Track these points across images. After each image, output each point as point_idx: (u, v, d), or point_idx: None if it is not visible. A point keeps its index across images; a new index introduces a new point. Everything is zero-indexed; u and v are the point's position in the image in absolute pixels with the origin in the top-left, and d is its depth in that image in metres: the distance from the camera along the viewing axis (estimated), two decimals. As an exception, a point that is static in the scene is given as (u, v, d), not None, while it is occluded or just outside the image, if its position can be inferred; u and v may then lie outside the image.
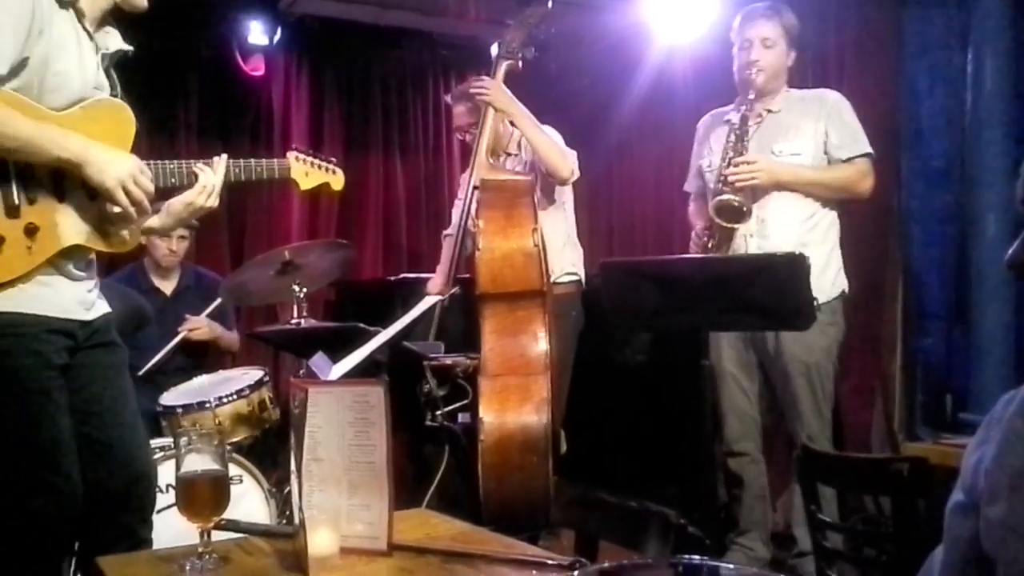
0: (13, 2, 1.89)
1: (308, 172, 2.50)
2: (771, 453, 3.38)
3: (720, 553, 2.96)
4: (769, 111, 3.18)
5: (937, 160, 3.62)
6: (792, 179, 3.08)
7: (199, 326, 3.79)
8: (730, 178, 3.03)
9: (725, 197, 3.02)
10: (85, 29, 2.09)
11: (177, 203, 2.21)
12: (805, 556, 2.97)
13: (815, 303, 2.60)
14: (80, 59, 2.05)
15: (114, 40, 2.19)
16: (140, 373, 3.32)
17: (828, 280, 3.09)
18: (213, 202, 2.22)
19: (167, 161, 2.17)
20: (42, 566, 2.02)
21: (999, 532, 0.99)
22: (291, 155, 2.45)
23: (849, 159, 3.12)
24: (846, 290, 3.17)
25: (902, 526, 1.89)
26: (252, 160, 2.31)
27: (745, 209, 3.00)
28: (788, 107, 3.18)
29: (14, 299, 1.97)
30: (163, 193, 2.17)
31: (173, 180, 2.17)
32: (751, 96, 3.12)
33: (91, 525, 2.10)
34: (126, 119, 2.11)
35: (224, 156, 2.25)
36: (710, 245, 3.09)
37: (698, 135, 3.43)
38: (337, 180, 2.57)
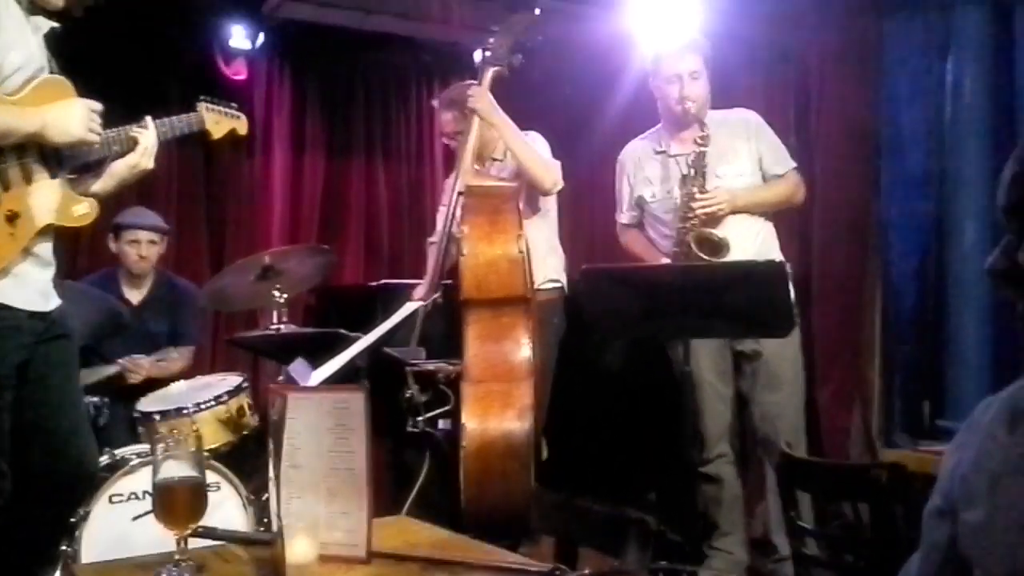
0: None
1: (219, 120, 2.62)
2: (746, 459, 3.40)
3: (698, 559, 2.97)
4: (705, 137, 3.25)
5: (916, 168, 3.66)
6: (746, 202, 3.25)
7: (138, 371, 3.57)
8: (698, 210, 3.15)
9: (706, 231, 3.14)
10: (27, 13, 2.17)
11: (120, 165, 2.33)
12: (784, 561, 2.98)
13: (795, 309, 2.62)
14: (28, 44, 2.14)
15: (43, 20, 2.27)
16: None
17: None
18: (151, 163, 2.37)
19: (106, 130, 2.29)
20: None
21: (977, 537, 1.00)
22: (202, 105, 2.58)
23: (783, 174, 3.31)
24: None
25: (880, 532, 1.90)
26: (172, 118, 2.46)
27: (724, 244, 3.11)
28: (716, 131, 3.27)
29: (2, 288, 2.03)
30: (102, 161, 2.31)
31: (116, 148, 2.31)
32: (702, 130, 3.19)
33: (28, 515, 2.14)
34: (69, 93, 2.21)
35: (149, 118, 2.40)
36: None
37: (627, 167, 3.49)
38: (242, 125, 2.71)
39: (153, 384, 3.50)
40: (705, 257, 3.10)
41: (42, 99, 2.14)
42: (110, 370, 3.51)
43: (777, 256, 3.23)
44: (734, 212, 3.21)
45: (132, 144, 2.32)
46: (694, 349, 3.17)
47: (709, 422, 3.22)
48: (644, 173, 3.42)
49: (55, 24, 2.26)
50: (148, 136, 2.34)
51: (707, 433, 3.22)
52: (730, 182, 3.25)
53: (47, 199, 2.14)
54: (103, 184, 2.35)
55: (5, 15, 2.07)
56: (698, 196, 3.16)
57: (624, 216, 3.53)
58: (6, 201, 2.05)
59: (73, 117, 2.14)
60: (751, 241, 3.23)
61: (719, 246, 3.12)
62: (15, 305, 2.07)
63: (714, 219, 3.18)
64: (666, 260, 3.25)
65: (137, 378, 3.58)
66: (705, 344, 3.18)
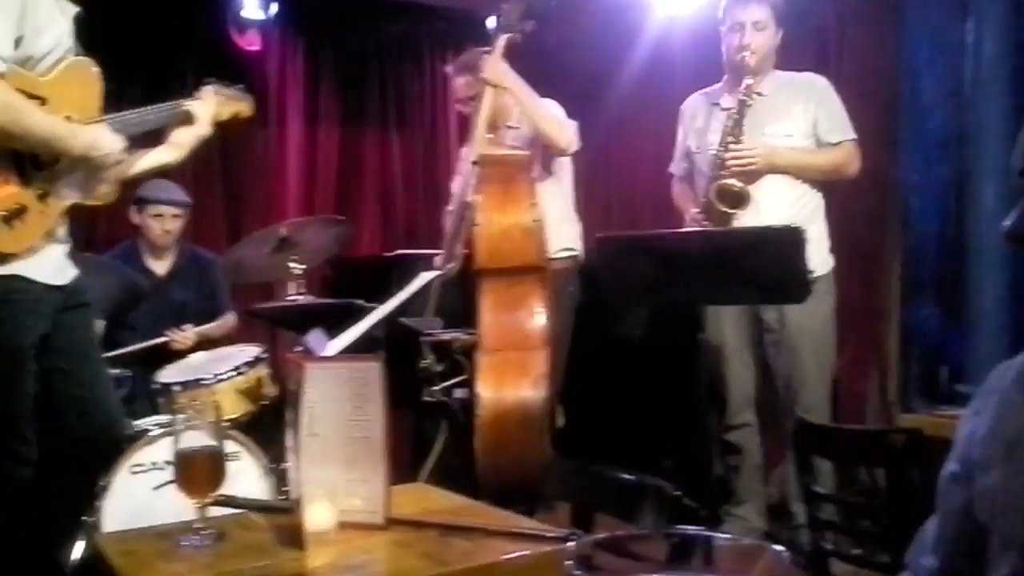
0: None
1: (223, 103, 2.71)
2: (765, 427, 3.40)
3: (715, 524, 2.98)
4: (759, 94, 3.18)
5: (936, 132, 3.60)
6: (787, 163, 3.14)
7: (184, 341, 3.71)
8: (728, 163, 3.08)
9: (727, 182, 3.06)
10: None
11: (185, 134, 2.48)
12: (801, 528, 2.99)
13: (811, 275, 2.60)
14: (59, 26, 2.17)
15: (68, 4, 2.31)
16: (109, 355, 3.31)
17: (820, 255, 3.12)
18: (209, 129, 2.54)
19: (158, 105, 2.44)
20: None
21: (993, 501, 1.00)
22: (208, 88, 2.67)
23: (838, 143, 3.19)
24: (834, 265, 3.24)
25: (896, 497, 1.90)
26: (171, 103, 2.54)
27: (745, 195, 3.04)
28: (777, 90, 3.20)
29: (25, 263, 2.10)
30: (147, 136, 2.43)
31: (168, 121, 2.47)
32: (748, 80, 3.12)
33: (58, 482, 2.24)
34: (95, 75, 2.29)
35: (207, 87, 2.60)
36: (708, 227, 3.12)
37: (683, 116, 3.45)
38: (247, 107, 2.82)
39: (174, 355, 3.56)
40: (725, 209, 3.05)
41: (70, 82, 2.18)
42: (154, 342, 3.63)
43: (818, 227, 3.15)
44: (772, 171, 3.13)
45: (184, 116, 2.48)
46: (719, 316, 3.17)
47: (734, 390, 3.21)
48: (696, 124, 3.36)
49: (78, 8, 2.29)
50: (204, 107, 2.52)
51: (731, 401, 3.21)
52: (776, 142, 3.16)
53: (72, 180, 2.20)
54: (173, 153, 2.50)
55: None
56: (732, 148, 3.09)
57: (674, 167, 3.48)
58: (37, 181, 2.11)
59: (105, 140, 2.23)
60: (789, 206, 3.14)
61: (740, 197, 3.04)
62: (35, 278, 2.12)
63: (749, 175, 3.09)
64: (695, 211, 3.20)
65: (182, 345, 3.70)
66: (730, 311, 3.17)
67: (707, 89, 3.41)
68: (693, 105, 3.43)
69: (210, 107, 2.53)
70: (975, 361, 3.39)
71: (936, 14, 3.62)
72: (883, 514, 2.01)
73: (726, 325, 3.20)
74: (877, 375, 3.79)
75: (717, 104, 3.27)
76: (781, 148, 3.15)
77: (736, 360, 3.21)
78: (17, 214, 2.06)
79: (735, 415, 3.22)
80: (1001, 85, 3.40)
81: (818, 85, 3.24)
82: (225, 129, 2.73)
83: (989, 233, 3.34)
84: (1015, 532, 0.97)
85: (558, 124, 3.35)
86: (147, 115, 2.40)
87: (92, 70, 2.26)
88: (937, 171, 3.61)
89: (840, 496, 2.53)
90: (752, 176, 3.11)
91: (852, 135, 3.21)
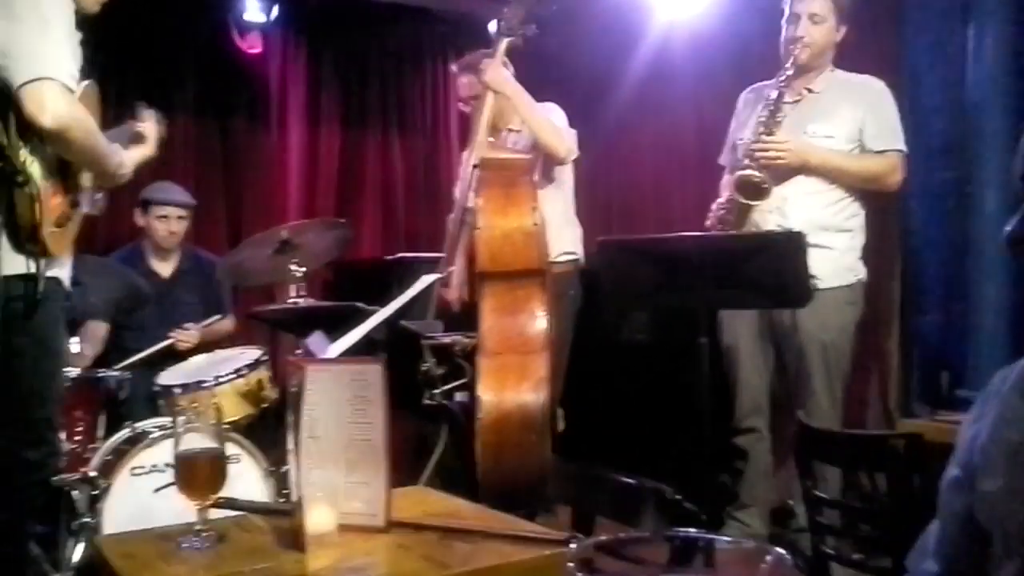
0: (67, 19, 2.14)
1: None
2: (777, 430, 3.38)
3: (716, 528, 2.97)
4: (810, 90, 3.10)
5: (937, 137, 3.60)
6: (821, 163, 3.03)
7: (189, 340, 3.77)
8: (756, 154, 3.00)
9: (746, 172, 2.99)
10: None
11: (134, 154, 2.56)
12: (803, 532, 2.98)
13: (814, 281, 2.60)
14: (79, 52, 2.24)
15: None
16: (118, 367, 3.35)
17: (844, 264, 3.06)
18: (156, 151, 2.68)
19: (115, 129, 2.58)
20: None
21: (994, 506, 1.00)
22: (152, 112, 2.74)
23: (883, 151, 3.07)
24: (863, 279, 3.13)
25: (898, 502, 1.90)
26: (125, 126, 2.66)
27: (765, 186, 2.96)
28: (829, 88, 3.11)
29: (60, 267, 2.24)
30: None
31: (118, 140, 2.53)
32: (790, 72, 3.02)
33: None
34: (97, 96, 2.38)
35: (146, 109, 2.69)
36: (729, 219, 3.05)
37: (737, 109, 3.35)
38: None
39: (175, 357, 3.58)
40: (744, 200, 2.98)
41: (86, 104, 2.26)
42: (161, 346, 3.67)
43: (848, 236, 3.06)
44: (805, 171, 3.03)
45: (140, 138, 2.62)
46: (732, 317, 3.13)
47: (743, 393, 3.17)
48: (745, 115, 3.27)
49: (80, 34, 2.37)
50: (151, 127, 2.65)
51: (740, 404, 3.17)
52: (816, 142, 3.05)
53: (88, 192, 2.35)
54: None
55: (71, 26, 2.18)
56: (763, 139, 3.00)
57: (723, 158, 3.38)
58: (72, 191, 2.26)
59: (129, 164, 2.46)
60: (820, 210, 3.03)
61: (760, 189, 2.95)
62: (64, 282, 2.28)
63: (778, 171, 3.00)
64: (720, 201, 3.12)
65: (187, 345, 3.74)
66: (745, 314, 3.12)
67: (767, 82, 3.23)
68: (746, 98, 3.32)
69: (156, 130, 2.67)
70: (976, 367, 3.39)
71: (937, 21, 3.63)
72: (884, 519, 2.01)
73: (741, 326, 3.15)
74: (878, 380, 3.78)
75: (767, 95, 3.12)
76: (816, 147, 3.04)
77: (748, 362, 3.16)
78: (64, 221, 2.22)
79: (743, 419, 3.18)
80: (1002, 92, 3.40)
81: (873, 88, 3.11)
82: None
83: (990, 239, 3.34)
84: (1016, 537, 0.97)
85: (557, 133, 3.34)
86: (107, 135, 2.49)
87: (96, 91, 2.35)
88: (938, 177, 3.61)
89: (841, 501, 2.53)
90: (783, 173, 3.02)
91: (900, 146, 3.09)
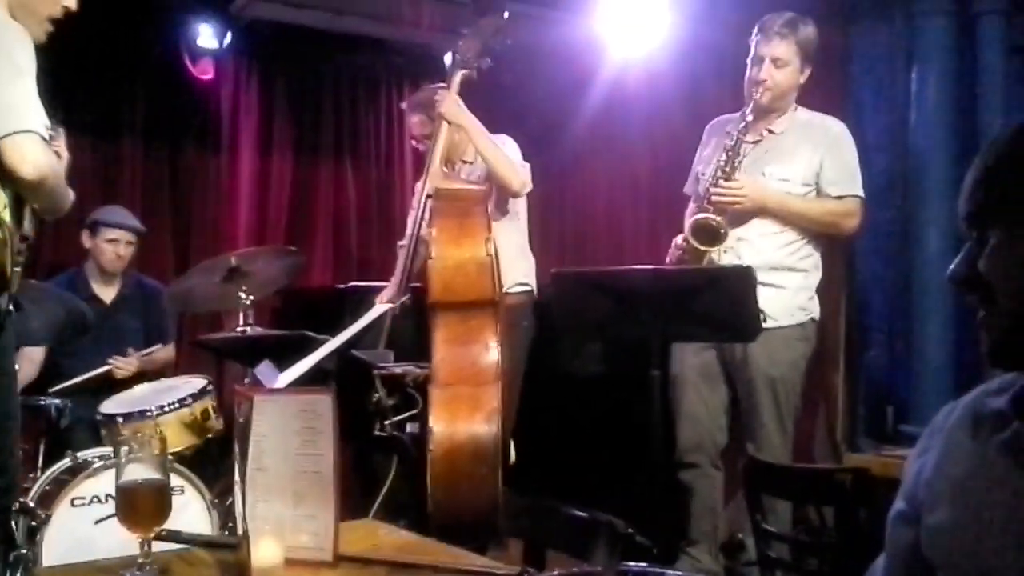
0: (34, 66, 2.18)
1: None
2: (729, 464, 3.40)
3: (669, 562, 2.97)
4: (771, 131, 3.13)
5: (880, 176, 3.70)
6: (778, 207, 3.05)
7: (127, 369, 3.72)
8: (714, 198, 3.02)
9: (702, 216, 3.01)
10: None
11: None
12: (753, 565, 2.98)
13: (763, 316, 2.63)
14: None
15: None
16: (51, 391, 3.27)
17: (797, 303, 3.08)
18: None
19: None
20: None
21: (940, 540, 1.01)
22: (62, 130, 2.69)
23: (841, 197, 3.09)
24: (815, 317, 3.15)
25: (845, 536, 1.92)
26: None
27: (722, 231, 2.98)
28: (790, 130, 3.13)
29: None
30: None
31: None
32: (750, 118, 3.05)
33: None
34: (64, 139, 2.44)
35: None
36: (686, 259, 3.06)
37: (703, 140, 3.36)
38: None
39: (116, 385, 3.50)
40: (698, 246, 2.99)
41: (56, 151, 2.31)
42: (97, 372, 3.61)
43: (802, 276, 3.07)
44: (761, 214, 3.05)
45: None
46: (680, 349, 3.11)
47: (685, 427, 3.14)
48: (707, 150, 3.28)
49: None
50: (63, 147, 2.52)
51: (682, 438, 3.14)
52: (773, 183, 3.07)
53: (28, 214, 2.32)
54: None
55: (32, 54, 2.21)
56: (721, 183, 3.01)
57: (688, 187, 3.36)
58: (21, 226, 2.25)
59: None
60: (773, 251, 3.06)
61: (716, 234, 2.97)
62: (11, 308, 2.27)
63: (736, 214, 3.01)
64: (679, 239, 3.11)
65: (125, 373, 3.68)
66: (692, 348, 3.11)
67: (732, 115, 3.23)
68: (713, 128, 3.33)
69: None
70: (920, 401, 3.46)
71: (881, 62, 3.74)
72: (832, 552, 2.03)
73: (688, 360, 3.14)
74: (825, 414, 3.84)
75: (729, 133, 3.12)
76: (774, 191, 3.06)
77: (693, 397, 3.14)
78: (22, 258, 2.26)
79: (684, 454, 3.15)
80: (943, 133, 3.52)
81: (832, 131, 3.14)
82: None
83: (933, 276, 3.42)
84: (962, 570, 0.98)
85: (511, 166, 3.35)
86: None
87: (63, 135, 2.41)
88: (882, 215, 3.70)
89: (790, 534, 2.55)
90: (739, 216, 3.04)
91: (858, 191, 3.10)
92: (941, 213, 3.44)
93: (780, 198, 3.06)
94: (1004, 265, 0.97)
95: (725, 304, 2.52)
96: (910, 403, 3.53)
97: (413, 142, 3.88)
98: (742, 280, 2.58)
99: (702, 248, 3.02)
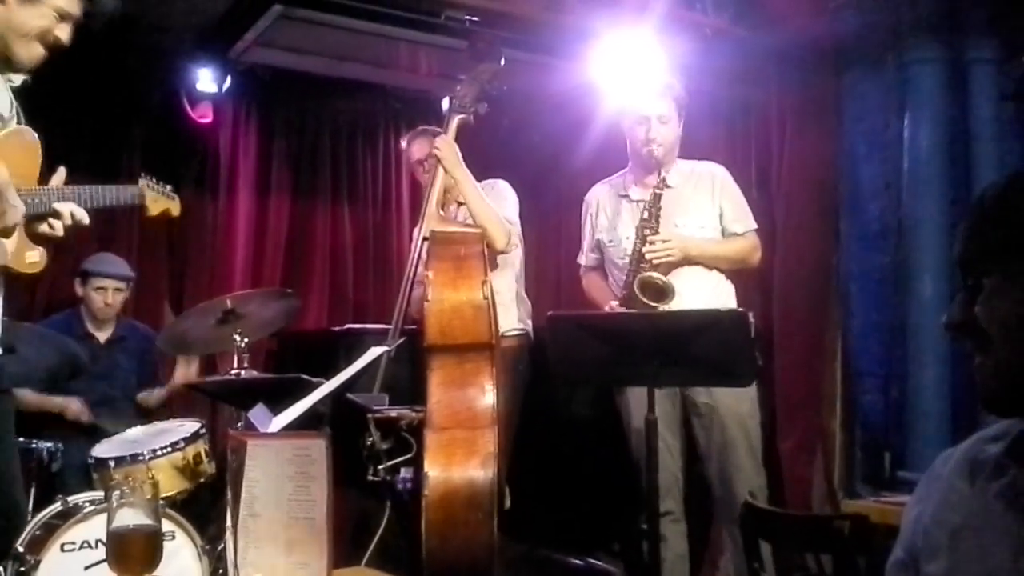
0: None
1: (156, 199, 2.69)
2: (709, 512, 3.37)
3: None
4: (667, 186, 3.27)
5: (874, 223, 3.72)
6: (699, 253, 3.27)
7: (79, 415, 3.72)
8: (647, 255, 3.15)
9: (649, 275, 3.13)
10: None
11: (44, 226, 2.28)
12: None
13: (759, 359, 2.64)
14: (2, 94, 2.19)
15: (14, 75, 2.31)
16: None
17: None
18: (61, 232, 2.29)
19: (117, 185, 2.46)
20: None
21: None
22: (143, 183, 2.64)
23: (743, 233, 3.33)
24: None
25: (844, 584, 1.90)
26: (109, 187, 2.44)
27: (669, 289, 3.11)
28: (683, 181, 3.34)
29: None
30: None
31: (121, 200, 2.47)
32: (664, 172, 3.23)
33: None
34: (35, 143, 2.26)
35: (142, 181, 2.61)
36: None
37: (588, 207, 3.53)
38: (175, 207, 2.79)
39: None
40: (648, 302, 3.10)
41: (11, 148, 2.17)
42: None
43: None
44: (687, 262, 3.22)
45: (140, 201, 2.56)
46: (639, 398, 3.10)
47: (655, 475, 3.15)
48: (605, 216, 3.45)
49: (26, 77, 2.30)
50: (67, 207, 2.24)
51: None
52: (690, 233, 3.27)
53: (6, 243, 2.16)
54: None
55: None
56: (650, 240, 3.17)
57: (584, 258, 3.55)
58: None
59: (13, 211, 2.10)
60: (707, 293, 3.24)
61: (663, 291, 3.11)
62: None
63: (666, 266, 3.19)
64: (615, 303, 3.24)
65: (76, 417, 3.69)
66: (656, 393, 3.14)
67: (611, 179, 3.51)
68: (599, 196, 3.51)
69: (69, 209, 2.42)
70: (917, 447, 3.44)
71: (873, 111, 3.78)
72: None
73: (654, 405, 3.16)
74: (822, 461, 3.82)
75: (626, 196, 3.38)
76: (693, 239, 3.26)
77: (660, 443, 3.14)
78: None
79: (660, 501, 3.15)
80: (936, 179, 3.54)
81: (720, 176, 3.38)
82: (152, 223, 2.67)
83: (928, 320, 3.43)
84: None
85: (499, 225, 3.36)
86: (107, 192, 2.39)
87: (33, 138, 2.26)
88: (876, 260, 3.72)
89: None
90: (669, 267, 3.20)
91: (753, 225, 3.37)
92: (935, 259, 3.45)
93: (698, 243, 3.28)
94: (999, 312, 0.97)
95: (722, 348, 2.52)
96: (907, 449, 3.51)
97: (416, 165, 3.84)
98: (737, 324, 2.58)
99: (653, 305, 3.11)
